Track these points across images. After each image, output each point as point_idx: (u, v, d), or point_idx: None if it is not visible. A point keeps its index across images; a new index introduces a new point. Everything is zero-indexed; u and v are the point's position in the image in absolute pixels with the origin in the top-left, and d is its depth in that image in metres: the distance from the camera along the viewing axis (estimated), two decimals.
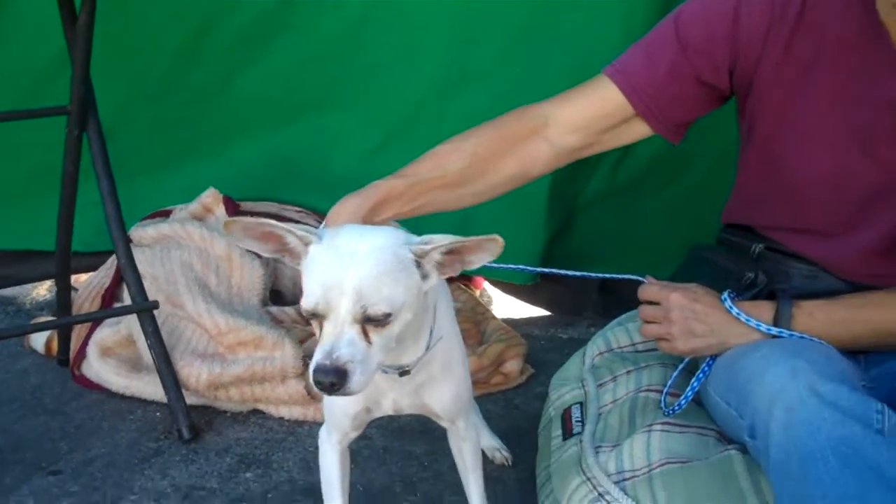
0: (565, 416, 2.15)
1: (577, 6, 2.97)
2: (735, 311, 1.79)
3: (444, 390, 1.72)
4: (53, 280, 2.92)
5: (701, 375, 1.87)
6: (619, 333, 2.31)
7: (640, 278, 1.92)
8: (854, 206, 1.80)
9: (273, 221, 1.48)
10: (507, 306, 3.52)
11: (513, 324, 3.15)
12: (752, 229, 1.96)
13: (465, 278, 3.39)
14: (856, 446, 1.41)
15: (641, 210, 3.30)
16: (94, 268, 3.10)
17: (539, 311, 3.49)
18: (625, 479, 1.80)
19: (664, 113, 1.85)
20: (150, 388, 2.65)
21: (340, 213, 1.64)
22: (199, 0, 3.10)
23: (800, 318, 1.77)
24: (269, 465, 2.42)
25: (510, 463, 2.39)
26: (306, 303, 1.41)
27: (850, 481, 1.40)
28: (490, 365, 2.80)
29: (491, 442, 2.41)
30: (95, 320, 2.80)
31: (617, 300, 3.08)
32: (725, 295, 1.82)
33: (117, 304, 2.86)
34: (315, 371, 1.37)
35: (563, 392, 2.24)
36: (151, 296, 2.58)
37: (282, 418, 2.62)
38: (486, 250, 1.45)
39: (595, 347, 2.31)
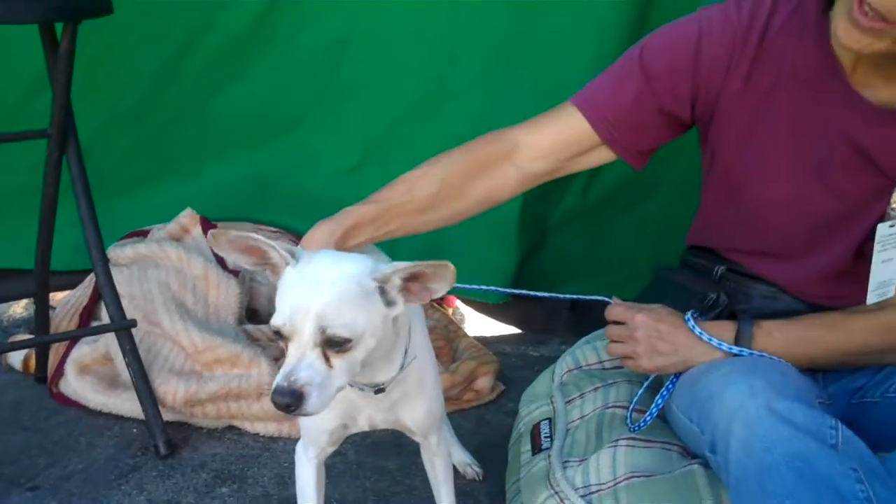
0: (534, 432, 2.20)
1: (551, 31, 3.04)
2: (698, 330, 1.85)
3: (417, 406, 1.77)
4: (31, 298, 2.94)
5: (665, 393, 1.92)
6: (587, 351, 2.36)
7: (606, 299, 1.96)
8: (811, 231, 1.86)
9: (257, 236, 1.53)
10: (479, 324, 3.55)
11: (485, 341, 3.19)
12: (714, 251, 2.02)
13: (439, 297, 3.42)
14: (810, 461, 1.47)
15: (610, 231, 3.36)
16: (71, 286, 3.11)
17: (510, 329, 3.53)
18: (591, 493, 1.85)
19: (628, 140, 1.90)
20: (127, 404, 2.68)
21: (314, 239, 1.69)
22: (175, 21, 3.13)
23: (759, 338, 1.84)
24: (245, 480, 2.44)
25: (481, 477, 2.42)
26: (274, 321, 1.46)
27: (805, 495, 1.45)
28: (462, 382, 2.84)
29: (462, 457, 2.45)
30: (73, 338, 2.83)
31: (586, 319, 3.10)
32: (688, 315, 1.88)
33: (95, 323, 2.88)
34: (273, 392, 1.42)
35: (532, 408, 2.30)
36: (129, 314, 2.61)
37: (257, 434, 2.65)
38: (443, 277, 1.49)
39: (564, 365, 2.36)
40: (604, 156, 1.94)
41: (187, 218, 3.16)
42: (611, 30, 2.93)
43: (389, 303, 1.50)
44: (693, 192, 2.07)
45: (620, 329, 1.93)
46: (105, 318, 2.65)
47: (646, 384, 2.06)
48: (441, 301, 3.46)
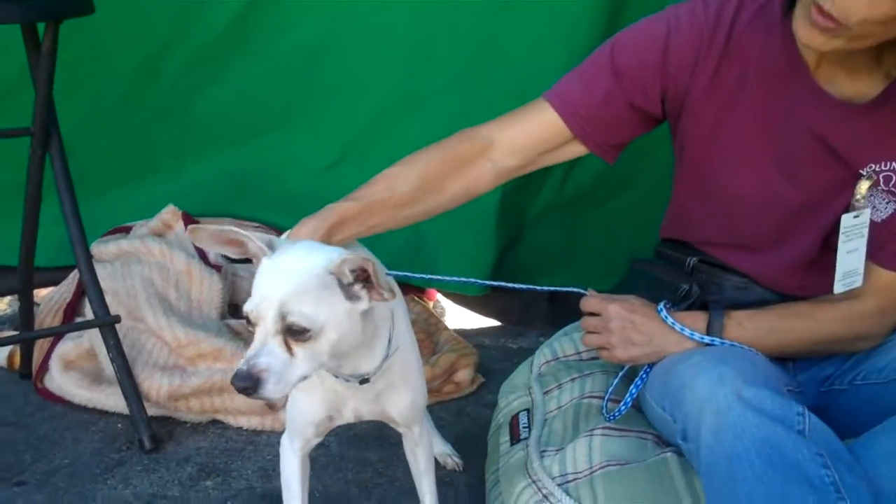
0: (513, 423, 2.23)
1: (524, 30, 3.08)
2: (670, 321, 1.89)
3: (402, 397, 1.80)
4: (15, 295, 2.96)
5: (639, 382, 1.96)
6: (564, 343, 2.40)
7: (582, 291, 2.00)
8: (779, 223, 1.90)
9: (235, 228, 1.57)
10: (459, 317, 3.59)
11: (464, 334, 3.22)
12: (687, 243, 2.06)
13: (419, 290, 3.46)
14: (778, 447, 1.50)
15: (586, 225, 3.40)
16: (55, 283, 3.13)
17: (490, 322, 3.56)
18: (568, 482, 1.88)
19: (599, 135, 1.94)
20: (111, 399, 2.70)
21: (299, 236, 1.72)
22: (156, 21, 3.16)
23: (730, 328, 1.88)
24: (229, 473, 2.47)
25: (461, 468, 2.46)
26: (245, 307, 1.50)
27: (774, 480, 1.48)
28: (442, 374, 2.87)
29: (442, 448, 2.49)
30: (58, 334, 2.85)
31: (564, 311, 3.14)
32: (661, 306, 1.92)
33: (79, 319, 2.91)
34: (233, 376, 1.46)
35: (511, 399, 2.33)
36: (113, 310, 2.63)
37: (240, 428, 2.68)
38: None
39: (542, 356, 2.40)
40: (576, 150, 1.98)
41: (170, 214, 3.18)
42: (583, 28, 2.97)
43: (353, 297, 1.52)
44: (667, 185, 2.10)
45: (595, 320, 1.96)
46: (89, 314, 2.67)
47: (620, 374, 2.09)
48: (422, 295, 3.49)
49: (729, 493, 1.53)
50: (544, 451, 2.02)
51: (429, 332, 3.16)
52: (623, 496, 1.79)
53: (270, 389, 1.46)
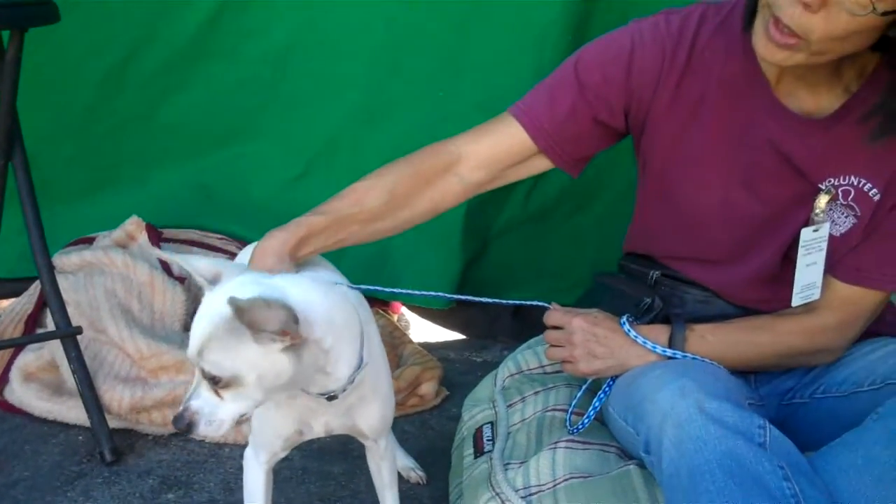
0: (477, 436, 2.23)
1: (492, 42, 3.09)
2: (633, 334, 1.89)
3: (372, 410, 1.79)
4: None
5: (602, 395, 1.97)
6: (528, 356, 2.41)
7: (546, 304, 2.00)
8: (740, 237, 1.92)
9: (184, 258, 1.59)
10: (423, 330, 3.58)
11: (429, 347, 3.22)
12: (650, 257, 2.07)
13: (383, 303, 3.45)
14: (739, 459, 1.51)
15: (551, 238, 3.40)
16: (17, 294, 3.10)
17: (454, 335, 3.56)
18: (531, 494, 1.88)
19: (564, 150, 1.95)
20: (72, 412, 2.68)
21: (267, 250, 1.73)
22: (121, 31, 3.15)
23: (692, 341, 1.89)
24: (191, 486, 2.46)
25: (424, 481, 2.45)
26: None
27: (735, 492, 1.49)
28: (407, 387, 2.87)
29: (405, 462, 2.48)
30: (18, 345, 2.82)
31: (528, 324, 3.16)
32: (624, 319, 1.92)
33: (40, 330, 2.88)
34: (173, 418, 1.52)
35: (475, 412, 2.33)
36: (75, 321, 2.61)
37: (203, 441, 2.65)
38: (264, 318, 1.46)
39: (506, 370, 2.41)
40: (542, 164, 1.99)
41: (133, 225, 3.15)
42: (550, 41, 2.98)
43: (263, 341, 1.46)
44: (630, 200, 2.11)
45: (559, 333, 1.97)
46: (50, 325, 2.65)
47: (584, 387, 2.10)
48: (386, 308, 3.48)
49: None
50: (508, 463, 2.02)
51: (393, 345, 3.15)
52: None
53: (203, 431, 1.50)
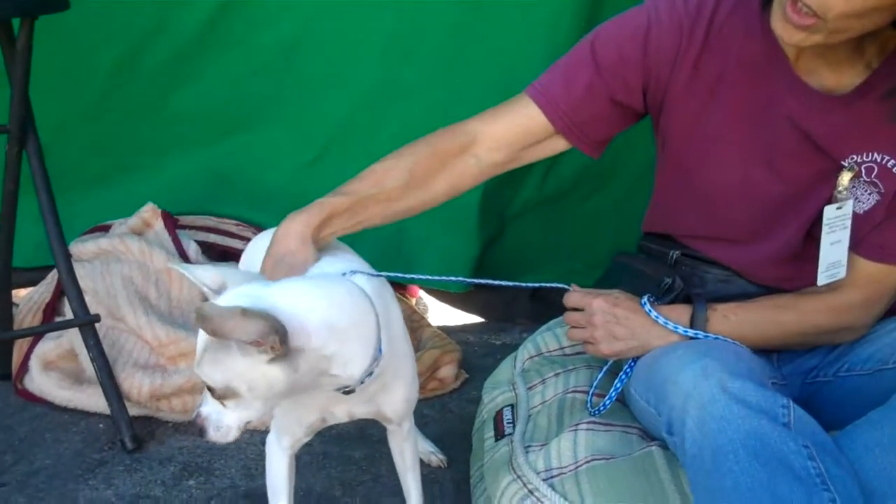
0: (497, 418, 2.22)
1: (505, 24, 3.07)
2: (654, 314, 1.88)
3: (396, 395, 1.77)
4: None
5: (623, 377, 1.96)
6: (548, 338, 2.40)
7: (565, 286, 1.99)
8: (761, 216, 1.90)
9: (183, 270, 1.58)
10: (441, 314, 3.58)
11: (447, 331, 3.22)
12: (669, 237, 2.06)
13: (401, 287, 3.45)
14: (763, 439, 1.50)
15: (568, 219, 3.40)
16: (34, 283, 3.10)
17: (473, 318, 3.56)
18: (553, 477, 1.88)
19: (582, 130, 1.93)
20: (92, 400, 2.68)
21: (289, 232, 1.72)
22: (134, 18, 3.13)
23: (714, 321, 1.88)
24: (212, 472, 2.46)
25: (445, 464, 2.45)
26: None
27: (759, 472, 1.48)
28: (426, 371, 2.86)
29: (424, 446, 2.47)
30: (37, 334, 2.83)
31: (547, 306, 3.13)
32: (645, 299, 1.91)
33: (59, 319, 2.88)
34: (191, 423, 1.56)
35: (495, 395, 2.33)
36: (92, 309, 2.61)
37: None
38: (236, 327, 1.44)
39: (525, 352, 2.40)
40: (559, 145, 1.98)
41: (149, 212, 3.15)
42: (564, 22, 2.97)
43: (249, 354, 1.44)
44: (649, 179, 2.10)
45: (579, 315, 1.96)
46: (68, 313, 2.65)
47: (605, 369, 2.09)
48: (404, 292, 3.48)
49: (714, 486, 1.52)
50: (529, 446, 2.01)
51: (412, 328, 3.14)
52: (608, 490, 1.78)
53: (212, 436, 1.54)
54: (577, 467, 1.87)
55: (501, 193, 3.30)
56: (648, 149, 2.09)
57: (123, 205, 3.22)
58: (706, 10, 1.84)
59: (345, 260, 1.80)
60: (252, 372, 1.45)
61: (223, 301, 1.48)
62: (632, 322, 1.90)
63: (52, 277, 2.98)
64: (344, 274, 1.68)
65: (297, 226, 1.73)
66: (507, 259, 3.43)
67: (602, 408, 1.97)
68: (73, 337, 2.74)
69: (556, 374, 2.23)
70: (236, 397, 1.49)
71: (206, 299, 1.54)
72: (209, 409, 1.53)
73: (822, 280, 1.87)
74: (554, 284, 1.99)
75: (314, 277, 1.69)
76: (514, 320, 3.46)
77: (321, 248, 1.78)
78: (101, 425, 2.67)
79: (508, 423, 2.18)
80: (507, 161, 1.98)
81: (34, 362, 2.78)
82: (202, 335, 1.46)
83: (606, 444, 1.91)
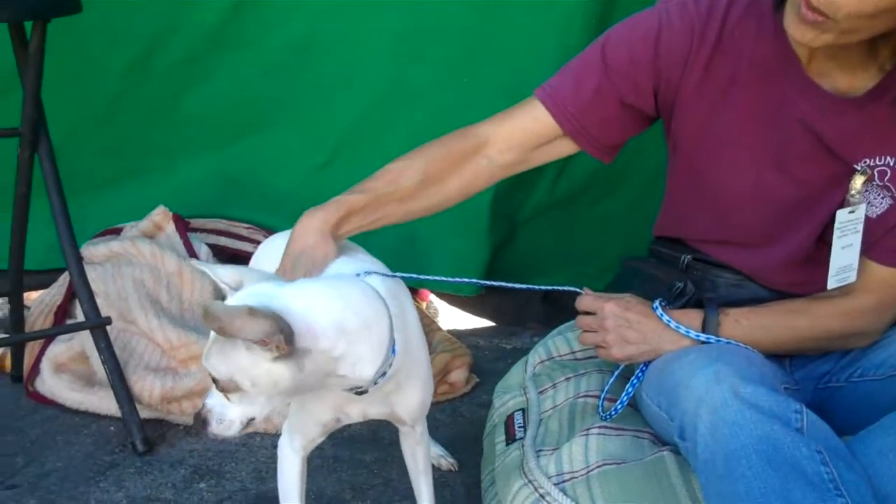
0: (508, 423, 2.22)
1: (516, 26, 3.07)
2: (665, 318, 1.88)
3: (410, 397, 1.77)
4: (5, 298, 2.94)
5: (635, 381, 1.95)
6: (559, 342, 2.40)
7: (577, 290, 1.98)
8: (773, 220, 1.89)
9: (207, 268, 1.59)
10: (452, 317, 3.58)
11: (458, 334, 3.21)
12: (681, 241, 2.05)
13: (412, 291, 3.44)
14: (776, 444, 1.49)
15: (579, 223, 3.39)
16: (45, 285, 3.11)
17: (484, 322, 3.55)
18: (564, 481, 1.87)
19: (591, 133, 1.93)
20: (104, 402, 2.69)
21: (308, 228, 1.73)
22: (145, 20, 3.14)
23: (726, 325, 1.87)
24: (222, 475, 2.46)
25: (456, 468, 2.45)
26: None
27: (772, 478, 1.47)
28: (437, 375, 2.85)
29: (435, 449, 2.47)
30: (49, 337, 2.83)
31: (558, 311, 3.15)
32: (656, 303, 1.91)
33: (70, 321, 2.88)
34: (195, 415, 1.56)
35: (506, 399, 2.32)
36: (104, 312, 2.62)
37: None
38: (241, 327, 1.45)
39: (536, 356, 2.40)
40: (567, 147, 1.97)
41: (160, 215, 3.16)
42: (576, 24, 2.97)
43: (253, 349, 1.44)
44: (660, 183, 2.09)
45: (591, 319, 1.95)
46: (80, 316, 2.66)
47: (616, 373, 2.08)
48: (415, 295, 3.48)
49: (727, 491, 1.52)
50: (540, 450, 2.01)
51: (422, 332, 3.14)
52: (620, 495, 1.78)
53: (214, 429, 1.54)
54: (588, 472, 1.86)
55: (512, 197, 3.29)
56: (659, 153, 2.08)
57: (135, 208, 3.23)
58: (718, 11, 1.84)
59: (360, 261, 1.80)
60: (256, 368, 1.46)
61: (235, 299, 1.49)
62: (644, 326, 1.89)
63: (64, 280, 2.99)
64: (358, 275, 1.68)
65: (316, 222, 1.74)
66: (517, 263, 3.42)
67: (613, 412, 1.97)
68: (85, 339, 2.74)
69: (568, 379, 2.23)
70: (240, 391, 1.49)
71: (224, 298, 1.55)
72: (214, 401, 1.53)
73: (832, 284, 1.86)
74: (566, 288, 1.98)
75: (329, 278, 1.69)
76: (525, 324, 3.46)
77: (339, 249, 1.79)
78: (112, 428, 2.67)
79: (520, 427, 2.18)
80: (518, 162, 1.98)
81: (45, 364, 2.79)
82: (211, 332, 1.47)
83: (618, 448, 1.90)
